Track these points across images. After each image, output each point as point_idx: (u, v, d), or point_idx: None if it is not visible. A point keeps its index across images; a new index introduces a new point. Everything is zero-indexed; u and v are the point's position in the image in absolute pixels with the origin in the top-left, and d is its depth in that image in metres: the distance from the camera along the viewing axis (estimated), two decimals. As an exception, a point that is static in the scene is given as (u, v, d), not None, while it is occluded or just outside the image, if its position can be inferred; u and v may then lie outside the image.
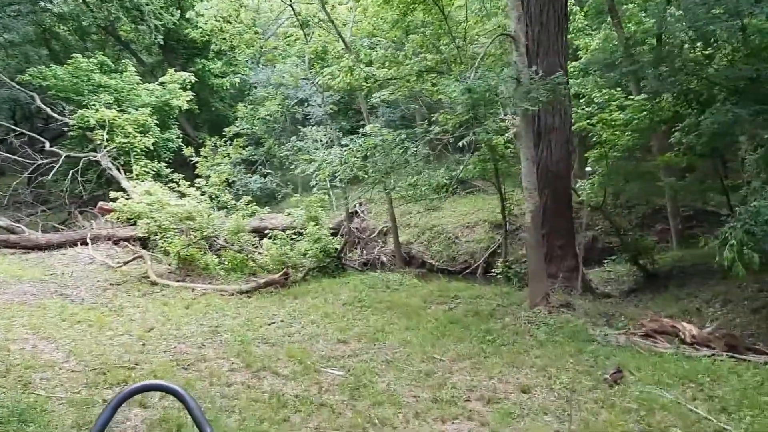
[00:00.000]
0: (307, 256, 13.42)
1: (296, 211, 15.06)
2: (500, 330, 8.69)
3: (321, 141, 25.95)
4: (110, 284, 13.49)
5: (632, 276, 13.61)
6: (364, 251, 18.58)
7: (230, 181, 18.24)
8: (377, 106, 30.55)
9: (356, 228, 21.02)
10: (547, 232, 11.99)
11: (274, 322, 9.79)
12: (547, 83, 9.04)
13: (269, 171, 27.52)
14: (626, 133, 12.27)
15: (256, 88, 28.81)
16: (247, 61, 27.24)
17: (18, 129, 23.02)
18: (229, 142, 19.53)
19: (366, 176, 9.44)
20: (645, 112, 11.57)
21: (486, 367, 7.16)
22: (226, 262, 15.63)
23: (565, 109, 11.07)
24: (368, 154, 9.12)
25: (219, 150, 19.15)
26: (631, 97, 12.35)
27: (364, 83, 10.78)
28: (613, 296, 12.47)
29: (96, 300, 12.11)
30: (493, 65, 10.71)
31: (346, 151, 9.31)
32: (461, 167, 10.86)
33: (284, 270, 12.27)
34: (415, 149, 9.48)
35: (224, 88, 27.50)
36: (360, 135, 9.06)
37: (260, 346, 8.44)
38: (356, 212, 21.84)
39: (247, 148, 23.04)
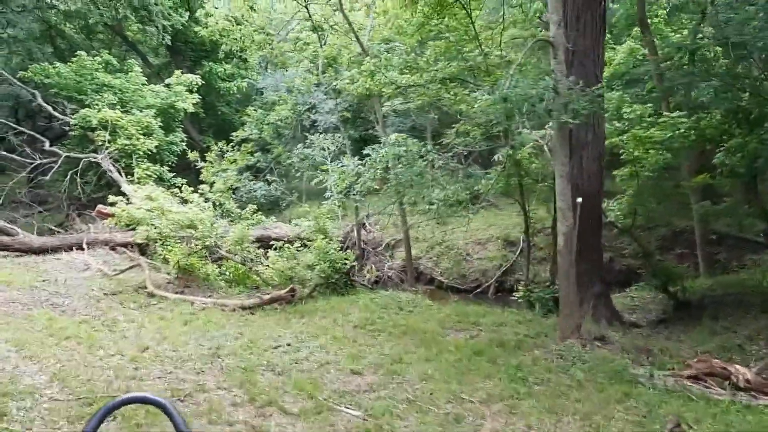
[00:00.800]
0: (315, 271, 12.56)
1: (304, 222, 14.20)
2: (531, 366, 7.83)
3: (328, 149, 25.23)
4: (105, 294, 12.66)
5: (659, 304, 12.76)
6: (374, 266, 17.68)
7: (234, 187, 17.39)
8: (386, 115, 29.95)
9: (363, 241, 20.19)
10: (575, 255, 11.17)
11: (279, 345, 8.95)
12: (586, 94, 8.22)
13: (274, 178, 26.76)
14: (660, 152, 11.45)
15: (263, 93, 28.08)
16: (257, 64, 26.46)
17: (17, 127, 22.19)
18: (237, 147, 18.68)
19: (381, 189, 8.57)
20: (683, 130, 10.74)
21: (521, 411, 6.30)
22: (228, 273, 14.82)
23: (599, 123, 10.23)
24: (389, 165, 8.28)
25: (226, 155, 18.29)
26: (665, 113, 11.52)
27: (384, 90, 9.97)
28: (641, 326, 11.60)
29: (88, 311, 11.29)
30: (525, 73, 9.88)
31: (366, 161, 8.45)
32: (483, 182, 10.01)
33: (291, 286, 11.41)
34: (441, 162, 8.65)
35: (231, 92, 26.77)
36: (382, 144, 8.20)
37: (265, 375, 7.60)
38: (363, 224, 21.01)
39: (255, 154, 22.18)
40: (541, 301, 11.43)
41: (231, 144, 18.34)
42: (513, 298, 12.37)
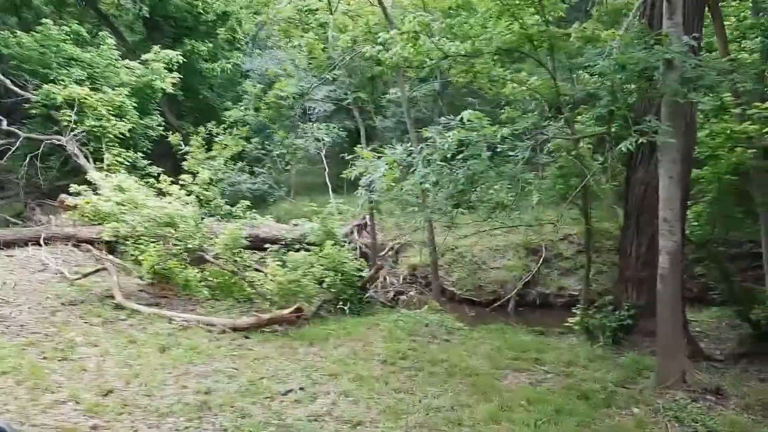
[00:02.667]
0: (325, 285, 10.37)
1: (306, 224, 12.01)
2: (638, 433, 5.77)
3: (323, 140, 23.04)
4: (62, 304, 10.50)
5: (730, 332, 10.87)
6: (390, 278, 15.47)
7: (217, 179, 15.11)
8: (386, 106, 27.79)
9: (364, 243, 17.99)
10: (647, 277, 9.17)
11: (290, 391, 6.82)
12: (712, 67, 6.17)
13: (261, 170, 24.45)
14: (746, 151, 9.49)
15: (249, 77, 25.76)
16: (247, 42, 24.06)
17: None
18: (228, 130, 16.29)
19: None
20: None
21: None
22: (213, 281, 12.62)
23: (692, 110, 8.21)
24: (452, 154, 6.16)
25: (216, 140, 15.89)
26: (754, 104, 9.52)
27: (429, 58, 7.86)
28: (717, 360, 9.65)
29: (39, 328, 9.11)
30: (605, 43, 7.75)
31: (427, 148, 6.27)
32: (535, 182, 7.93)
33: (297, 305, 9.19)
34: (520, 153, 6.54)
35: (214, 74, 24.41)
36: (453, 124, 6.02)
37: (278, 443, 5.44)
38: (365, 225, 18.87)
39: (251, 141, 19.66)
40: (604, 330, 9.37)
41: (222, 126, 15.96)
42: (568, 323, 10.25)
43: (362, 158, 6.93)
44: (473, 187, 6.64)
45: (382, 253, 18.09)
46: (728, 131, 9.26)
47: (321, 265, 10.52)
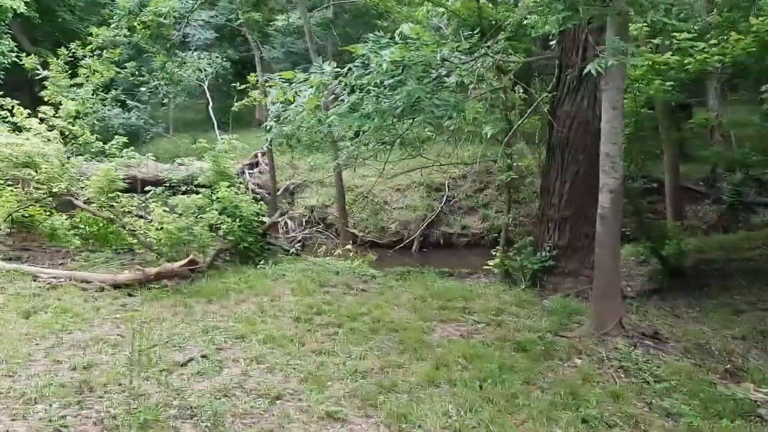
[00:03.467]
0: (221, 232, 9.20)
1: (196, 162, 10.69)
2: (589, 390, 5.33)
3: (206, 71, 21.13)
4: None
5: (640, 268, 10.92)
6: (288, 223, 14.35)
7: (84, 112, 13.19)
8: (273, 35, 25.99)
9: (256, 184, 16.77)
10: (570, 216, 8.83)
11: (191, 360, 5.82)
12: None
13: (135, 104, 22.20)
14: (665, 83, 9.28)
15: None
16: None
17: None
18: (96, 54, 14.19)
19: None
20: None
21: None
22: (85, 228, 11.14)
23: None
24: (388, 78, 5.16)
25: (81, 64, 13.77)
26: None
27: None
28: (630, 297, 9.61)
29: None
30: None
31: (357, 70, 5.19)
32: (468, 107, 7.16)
33: (190, 257, 8.01)
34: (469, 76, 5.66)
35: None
36: (384, 42, 4.99)
37: (181, 430, 4.50)
38: (256, 163, 17.59)
39: (125, 67, 17.36)
40: (525, 273, 8.98)
41: (89, 48, 13.82)
42: (486, 266, 9.80)
43: (270, 87, 5.80)
44: (413, 116, 5.75)
45: (277, 194, 16.96)
46: (651, 62, 8.94)
47: (215, 210, 9.33)
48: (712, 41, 8.91)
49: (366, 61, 5.16)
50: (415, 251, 15.45)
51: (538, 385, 5.45)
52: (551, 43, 10.52)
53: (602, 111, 6.28)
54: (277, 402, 5.01)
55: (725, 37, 8.77)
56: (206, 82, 20.80)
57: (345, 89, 5.38)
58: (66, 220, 11.17)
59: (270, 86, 5.93)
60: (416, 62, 5.17)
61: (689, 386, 5.45)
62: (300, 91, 5.13)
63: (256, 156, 18.77)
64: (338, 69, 5.31)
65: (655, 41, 9.72)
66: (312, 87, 5.07)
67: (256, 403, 4.95)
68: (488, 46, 6.43)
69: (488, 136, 6.93)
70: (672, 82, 9.42)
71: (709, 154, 14.82)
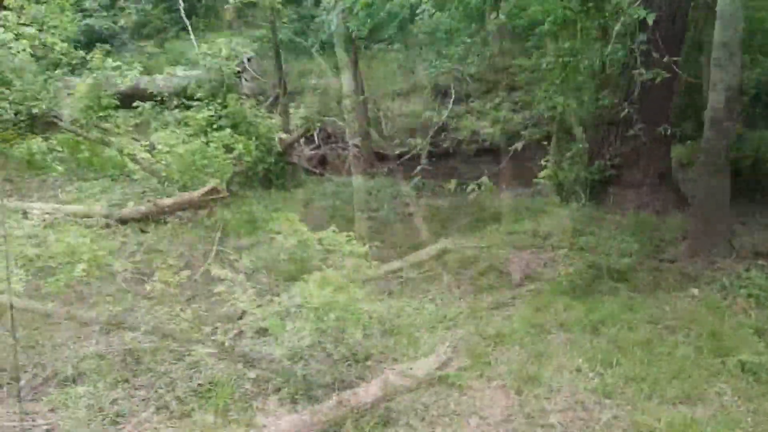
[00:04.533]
0: (235, 153, 8.00)
1: (193, 71, 9.35)
2: (728, 327, 4.62)
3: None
4: None
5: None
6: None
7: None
8: None
9: (246, 94, 15.28)
10: (638, 116, 7.77)
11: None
12: None
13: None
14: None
15: None
16: None
17: None
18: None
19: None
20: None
21: None
22: (65, 151, 9.89)
23: None
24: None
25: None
26: None
27: None
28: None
29: None
30: None
31: None
32: None
33: (212, 185, 6.86)
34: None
35: None
36: None
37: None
38: (243, 69, 16.03)
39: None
40: (582, 186, 8.04)
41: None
42: (538, 178, 8.81)
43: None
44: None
45: (266, 103, 15.54)
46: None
47: (227, 127, 8.10)
48: None
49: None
50: (424, 162, 14.44)
51: (665, 325, 4.69)
52: None
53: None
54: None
55: None
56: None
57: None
58: (42, 142, 9.87)
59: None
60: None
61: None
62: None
63: (242, 62, 17.14)
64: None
65: None
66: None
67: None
68: None
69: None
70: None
71: None
